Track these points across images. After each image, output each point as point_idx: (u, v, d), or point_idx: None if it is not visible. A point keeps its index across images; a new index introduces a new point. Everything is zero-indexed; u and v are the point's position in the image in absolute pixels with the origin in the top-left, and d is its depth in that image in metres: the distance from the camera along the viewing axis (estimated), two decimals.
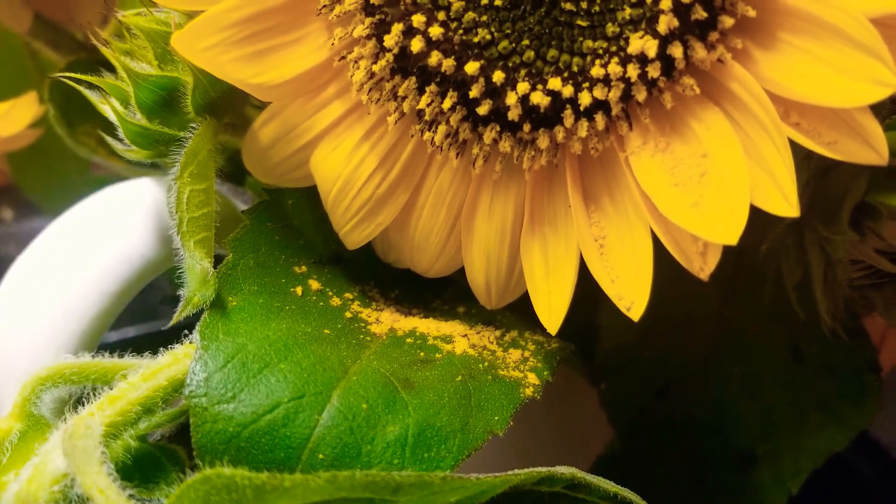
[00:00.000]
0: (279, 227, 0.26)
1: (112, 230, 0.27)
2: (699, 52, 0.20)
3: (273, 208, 0.27)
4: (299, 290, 0.24)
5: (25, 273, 0.27)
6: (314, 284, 0.25)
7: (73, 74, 0.25)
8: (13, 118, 0.35)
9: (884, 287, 0.27)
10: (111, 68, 0.27)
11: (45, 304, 0.26)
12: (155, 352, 0.23)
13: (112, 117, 0.25)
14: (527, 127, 0.22)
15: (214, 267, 0.23)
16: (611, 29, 0.21)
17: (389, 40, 0.22)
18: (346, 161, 0.24)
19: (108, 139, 0.26)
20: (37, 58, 0.46)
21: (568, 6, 0.21)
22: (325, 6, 0.22)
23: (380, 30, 0.22)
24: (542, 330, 0.24)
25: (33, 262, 0.27)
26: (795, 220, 0.21)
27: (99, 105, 0.26)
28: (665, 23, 0.20)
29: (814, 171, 0.24)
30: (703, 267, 0.21)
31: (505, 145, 0.23)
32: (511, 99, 0.21)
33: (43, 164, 0.49)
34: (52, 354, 0.24)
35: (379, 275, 0.28)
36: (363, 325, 0.24)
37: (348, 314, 0.25)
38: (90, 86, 0.27)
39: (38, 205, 0.51)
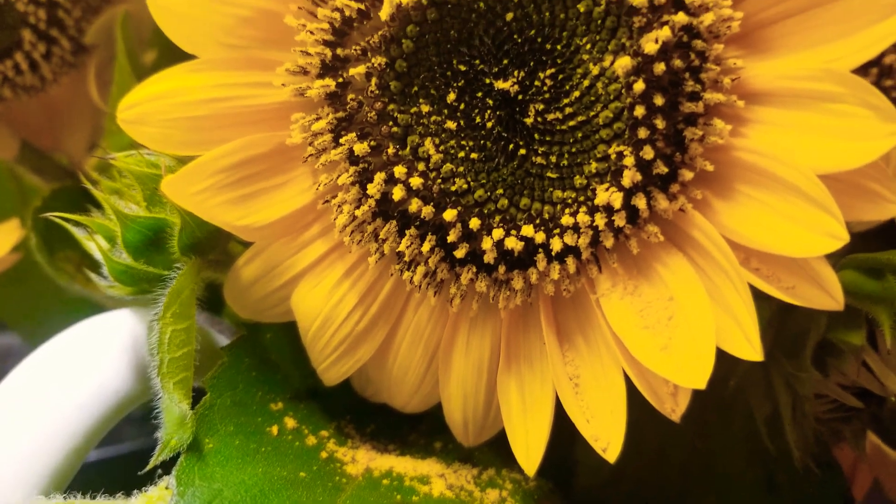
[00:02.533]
0: (256, 363, 0.27)
1: (87, 366, 0.27)
2: (661, 202, 0.22)
3: (251, 343, 0.27)
4: (275, 429, 0.24)
5: None
6: (290, 422, 0.25)
7: (62, 214, 0.26)
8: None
9: (851, 420, 0.28)
10: (92, 200, 0.28)
11: (16, 442, 0.25)
12: (122, 478, 0.23)
13: (97, 255, 0.25)
14: (502, 269, 0.23)
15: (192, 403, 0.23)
16: (578, 181, 0.22)
17: (372, 188, 0.23)
18: (327, 298, 0.25)
19: (92, 276, 0.26)
20: (20, 182, 0.47)
21: (538, 160, 0.22)
22: (311, 155, 0.24)
23: (363, 177, 0.23)
24: (520, 467, 0.24)
25: (6, 398, 0.27)
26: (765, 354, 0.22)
27: (84, 242, 0.26)
28: (629, 177, 0.21)
29: (776, 309, 0.25)
30: (674, 408, 0.21)
31: (481, 285, 0.24)
32: (487, 244, 0.23)
33: (16, 284, 0.48)
34: (22, 495, 0.24)
35: (355, 409, 0.28)
36: (339, 465, 0.24)
37: (324, 454, 0.25)
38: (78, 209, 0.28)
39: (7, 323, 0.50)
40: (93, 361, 0.27)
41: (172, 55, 0.40)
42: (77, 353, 0.28)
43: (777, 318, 0.25)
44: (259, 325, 0.27)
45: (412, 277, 0.24)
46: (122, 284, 0.25)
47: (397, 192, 0.23)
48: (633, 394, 0.22)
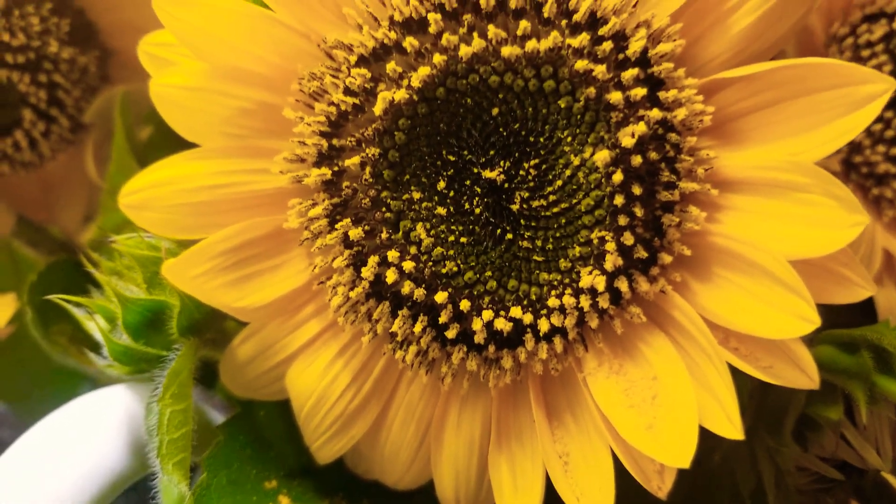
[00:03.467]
0: (251, 441, 0.27)
1: (84, 443, 0.27)
2: (643, 285, 0.23)
3: (245, 420, 0.28)
4: None
5: None
6: (284, 500, 0.26)
7: (64, 296, 0.26)
8: None
9: (833, 491, 0.28)
10: (87, 274, 0.29)
11: None
12: None
13: (97, 335, 0.26)
14: (492, 348, 0.24)
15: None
16: (563, 264, 0.23)
17: (366, 271, 0.24)
18: (321, 377, 0.26)
19: (91, 355, 0.27)
20: (14, 254, 0.47)
21: (525, 244, 0.23)
22: (307, 238, 0.25)
23: (357, 260, 0.24)
24: None
25: (3, 476, 0.27)
26: (746, 429, 0.23)
27: (84, 322, 0.27)
28: (611, 261, 0.22)
29: (758, 385, 0.26)
30: (660, 486, 0.22)
31: (472, 364, 0.24)
32: (477, 325, 0.23)
33: (5, 355, 0.48)
34: None
35: (348, 485, 0.28)
36: None
37: None
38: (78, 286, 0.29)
39: None
40: (89, 439, 0.27)
41: (167, 132, 0.42)
42: (74, 431, 0.28)
43: (758, 393, 0.26)
44: (253, 403, 0.28)
45: (404, 356, 0.25)
46: (121, 364, 0.26)
47: (390, 275, 0.24)
48: (620, 470, 0.23)
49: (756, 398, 0.26)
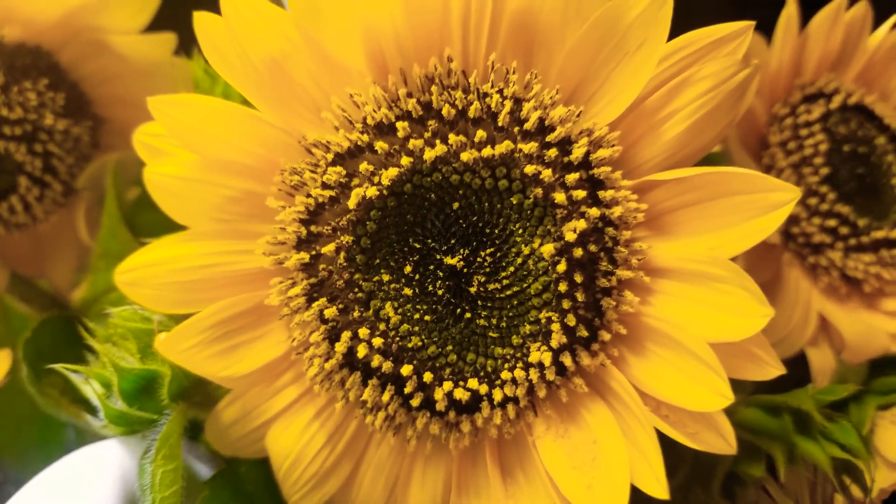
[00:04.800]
0: (234, 494, 0.30)
1: (81, 497, 0.30)
2: (585, 359, 0.26)
3: (228, 475, 0.30)
4: None
5: None
6: None
7: (67, 365, 0.29)
8: None
9: None
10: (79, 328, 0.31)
11: None
12: None
13: (95, 401, 0.28)
14: (452, 414, 0.27)
15: None
16: (515, 340, 0.26)
17: (340, 346, 0.26)
18: (298, 438, 0.28)
19: (88, 417, 0.29)
20: (5, 309, 0.49)
21: (482, 322, 0.26)
22: (286, 314, 0.27)
23: (331, 335, 0.27)
24: None
25: None
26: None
27: (81, 387, 0.29)
28: (556, 339, 0.25)
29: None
30: None
31: (434, 428, 0.27)
32: (438, 394, 0.26)
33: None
34: None
35: None
36: None
37: None
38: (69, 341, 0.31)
39: None
40: (86, 493, 0.30)
41: None
42: (70, 485, 0.30)
43: (693, 454, 0.29)
44: (236, 460, 0.30)
45: (374, 421, 0.27)
46: (115, 426, 0.28)
47: (361, 350, 0.26)
48: None
49: (690, 460, 0.29)
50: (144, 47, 0.40)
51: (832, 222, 0.39)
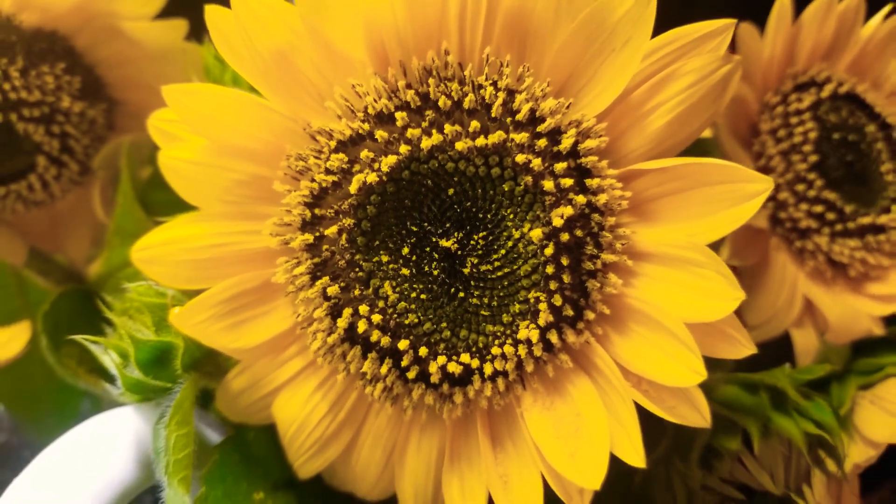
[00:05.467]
0: (242, 458, 0.32)
1: (99, 460, 0.32)
2: (570, 337, 0.27)
3: (237, 441, 0.32)
4: None
5: None
6: None
7: (88, 337, 0.31)
8: (11, 346, 0.39)
9: None
10: (95, 299, 0.33)
11: None
12: None
13: (113, 370, 0.30)
14: (445, 386, 0.29)
15: None
16: (505, 318, 0.28)
17: (341, 322, 0.28)
18: (302, 407, 0.30)
19: (107, 386, 0.31)
20: (22, 283, 0.51)
21: (474, 301, 0.28)
22: (291, 292, 0.29)
23: (333, 311, 0.29)
24: None
25: (24, 492, 0.31)
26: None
27: (100, 357, 0.31)
28: (544, 318, 0.27)
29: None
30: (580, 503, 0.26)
31: (429, 399, 0.29)
32: (433, 367, 0.28)
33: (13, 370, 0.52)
34: None
35: (325, 496, 0.33)
36: None
37: None
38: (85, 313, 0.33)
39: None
40: (104, 455, 0.32)
41: None
42: (90, 448, 0.32)
43: (673, 427, 0.31)
44: (244, 426, 0.32)
45: (373, 392, 0.29)
46: (131, 394, 0.30)
47: (361, 325, 0.28)
48: (549, 489, 0.27)
49: (671, 433, 0.31)
50: (156, 33, 0.41)
51: (819, 208, 0.40)
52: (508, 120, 0.27)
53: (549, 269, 0.27)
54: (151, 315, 0.30)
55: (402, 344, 0.28)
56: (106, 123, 0.44)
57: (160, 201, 0.44)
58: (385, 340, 0.28)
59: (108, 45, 0.42)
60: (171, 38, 0.41)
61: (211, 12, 0.28)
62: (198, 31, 0.40)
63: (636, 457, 0.26)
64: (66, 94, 0.41)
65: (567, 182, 0.26)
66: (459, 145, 0.26)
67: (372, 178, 0.27)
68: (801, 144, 0.41)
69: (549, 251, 0.26)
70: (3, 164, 0.43)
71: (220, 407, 0.31)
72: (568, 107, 0.27)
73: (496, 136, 0.26)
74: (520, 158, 0.26)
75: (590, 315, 0.27)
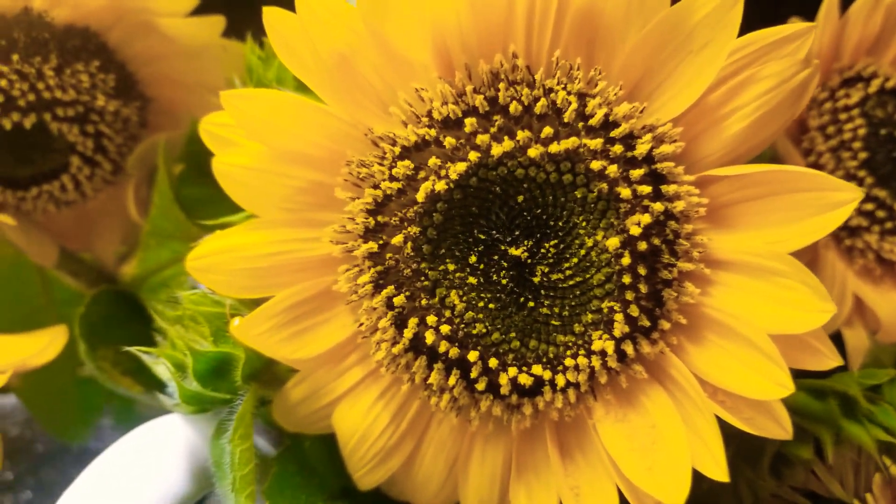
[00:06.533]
0: (299, 469, 0.31)
1: (151, 471, 0.31)
2: (645, 347, 0.27)
3: (294, 451, 0.32)
4: None
5: None
6: None
7: (141, 348, 0.30)
8: (49, 352, 0.38)
9: None
10: (131, 300, 0.32)
11: None
12: None
13: (170, 382, 0.29)
14: (514, 397, 0.28)
15: None
16: (577, 328, 0.27)
17: (407, 332, 0.28)
18: (363, 417, 0.30)
19: (160, 396, 0.30)
20: (46, 281, 0.50)
21: (544, 310, 0.27)
22: (353, 301, 0.28)
23: (398, 321, 0.28)
24: None
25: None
26: (729, 463, 0.27)
27: (153, 367, 0.31)
28: (619, 328, 0.26)
29: None
30: None
31: (496, 410, 0.28)
32: (503, 379, 0.27)
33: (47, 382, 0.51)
34: None
35: None
36: None
37: None
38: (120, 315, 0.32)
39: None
40: (157, 466, 0.31)
41: (198, 169, 0.45)
42: (140, 459, 0.32)
43: (739, 434, 0.30)
44: (300, 436, 0.32)
45: (438, 403, 0.29)
46: (188, 405, 0.30)
47: (429, 336, 0.27)
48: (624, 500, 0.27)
49: (737, 440, 0.30)
50: (191, 29, 0.40)
51: (869, 206, 0.40)
52: (580, 125, 0.26)
53: (626, 279, 0.26)
54: (209, 325, 0.29)
55: (472, 355, 0.27)
56: (139, 121, 0.43)
57: (191, 197, 0.43)
58: (454, 351, 0.28)
59: (140, 42, 0.41)
60: (207, 35, 0.40)
61: (270, 14, 0.27)
62: (238, 29, 0.39)
63: (718, 470, 0.25)
64: (100, 93, 0.40)
65: (645, 189, 0.26)
66: (532, 152, 0.26)
67: (440, 185, 0.26)
68: (851, 141, 0.40)
69: (625, 261, 0.26)
70: (35, 164, 0.42)
71: (278, 417, 0.31)
72: (642, 111, 0.26)
73: (570, 143, 0.26)
74: (595, 165, 0.26)
75: (665, 325, 0.27)
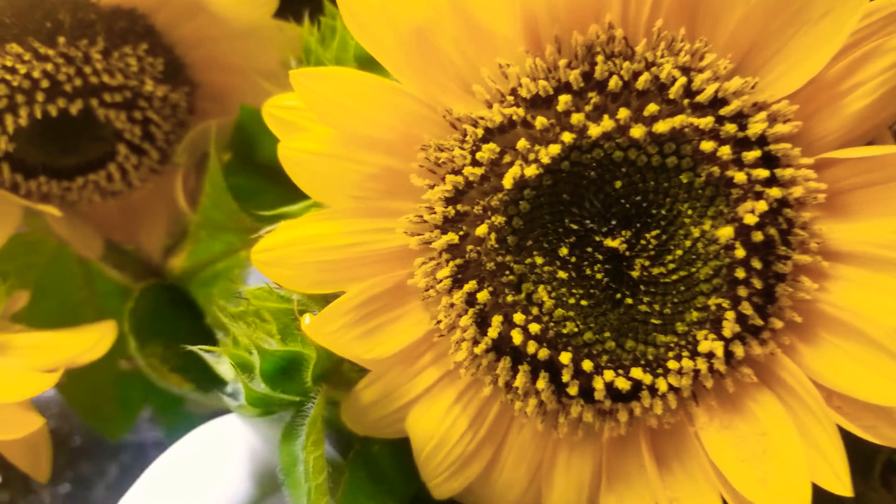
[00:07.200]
0: (369, 475, 0.29)
1: (212, 476, 0.30)
2: (755, 348, 0.24)
3: (363, 455, 0.30)
4: None
5: None
6: None
7: (205, 347, 0.28)
8: (98, 349, 0.37)
9: None
10: (180, 294, 0.30)
11: None
12: None
13: (238, 385, 0.28)
14: (608, 402, 0.26)
15: None
16: (680, 327, 0.25)
17: (492, 331, 0.25)
18: (440, 422, 0.28)
19: (224, 397, 0.29)
20: (88, 273, 0.49)
21: (643, 308, 0.25)
22: (430, 297, 0.26)
23: (480, 319, 0.26)
24: None
25: None
26: None
27: (215, 367, 0.29)
28: (729, 328, 0.24)
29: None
30: None
31: (587, 416, 0.26)
32: (598, 384, 0.25)
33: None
34: None
35: None
36: None
37: None
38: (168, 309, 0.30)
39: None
40: (219, 469, 0.29)
41: (245, 158, 0.43)
42: (201, 462, 0.30)
43: (848, 438, 0.27)
44: (369, 440, 0.30)
45: (524, 408, 0.26)
46: (254, 408, 0.28)
47: (517, 336, 0.25)
48: None
49: (846, 445, 0.28)
50: (243, 10, 0.38)
51: None
52: (686, 102, 0.24)
53: (739, 273, 0.24)
54: (276, 322, 0.28)
55: (565, 357, 0.25)
56: (187, 107, 0.41)
57: (239, 188, 0.41)
58: (543, 353, 0.25)
59: (189, 23, 0.39)
60: (259, 16, 0.38)
61: None
62: (292, 9, 0.37)
63: (839, 484, 0.23)
64: (148, 77, 0.38)
65: (761, 173, 0.23)
66: (635, 132, 0.23)
67: (530, 171, 0.24)
68: None
69: (738, 253, 0.23)
70: (81, 152, 0.40)
71: (347, 420, 0.29)
72: (753, 87, 0.24)
73: (677, 121, 0.23)
74: (706, 146, 0.23)
75: (777, 324, 0.24)
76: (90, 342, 0.37)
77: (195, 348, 0.29)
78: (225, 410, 0.32)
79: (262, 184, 0.44)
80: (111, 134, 0.39)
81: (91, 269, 0.49)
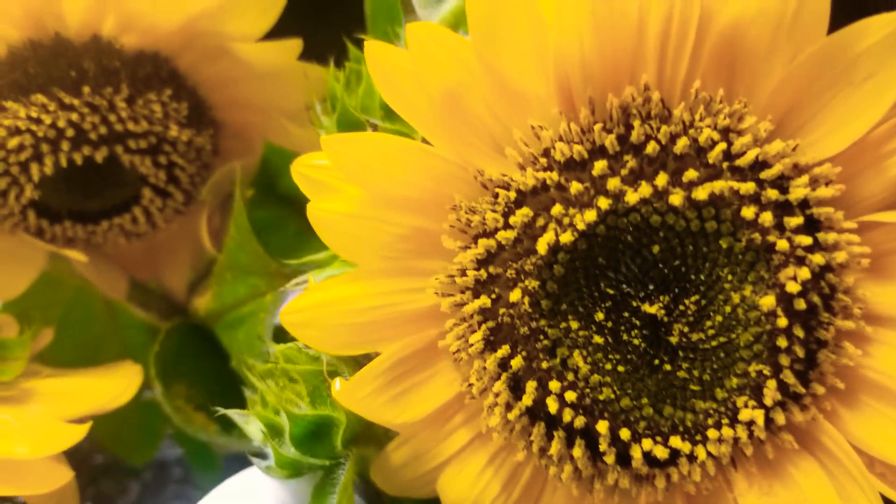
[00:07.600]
0: None
1: None
2: (797, 415, 0.24)
3: None
4: None
5: None
6: None
7: (236, 410, 0.28)
8: (126, 394, 0.37)
9: None
10: (205, 333, 0.30)
11: None
12: None
13: (267, 448, 0.27)
14: (645, 469, 0.25)
15: None
16: (720, 394, 0.24)
17: (526, 398, 0.25)
18: (472, 485, 0.27)
19: (254, 459, 0.28)
20: (111, 309, 0.48)
21: (682, 374, 0.25)
22: (462, 360, 0.26)
23: (513, 383, 0.25)
24: None
25: None
26: None
27: (244, 426, 0.28)
28: (770, 396, 0.23)
29: None
30: None
31: (624, 482, 0.26)
32: (636, 452, 0.25)
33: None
34: None
35: None
36: None
37: None
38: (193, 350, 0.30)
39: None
40: None
41: (268, 194, 0.43)
42: None
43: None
44: (399, 499, 0.29)
45: (559, 474, 0.26)
46: (283, 470, 0.27)
47: (552, 405, 0.25)
48: None
49: None
50: (267, 54, 0.38)
51: None
52: (725, 165, 0.23)
53: (781, 342, 0.23)
54: (306, 385, 0.27)
55: (602, 426, 0.25)
56: (212, 149, 0.41)
57: (261, 220, 0.41)
58: (580, 421, 0.25)
59: (212, 66, 0.39)
60: (284, 60, 0.38)
61: (372, 49, 0.24)
62: (319, 52, 0.36)
63: None
64: (173, 122, 0.38)
65: (804, 240, 0.23)
66: (674, 199, 0.23)
67: (566, 237, 0.24)
68: None
69: (781, 322, 0.23)
70: (106, 197, 0.40)
71: (378, 480, 0.28)
72: (794, 149, 0.23)
73: (717, 187, 0.23)
74: (747, 213, 0.23)
75: (819, 390, 0.24)
76: (118, 389, 0.37)
77: (226, 411, 0.29)
78: None
79: (285, 213, 0.43)
80: (136, 178, 0.39)
81: (114, 303, 0.49)
